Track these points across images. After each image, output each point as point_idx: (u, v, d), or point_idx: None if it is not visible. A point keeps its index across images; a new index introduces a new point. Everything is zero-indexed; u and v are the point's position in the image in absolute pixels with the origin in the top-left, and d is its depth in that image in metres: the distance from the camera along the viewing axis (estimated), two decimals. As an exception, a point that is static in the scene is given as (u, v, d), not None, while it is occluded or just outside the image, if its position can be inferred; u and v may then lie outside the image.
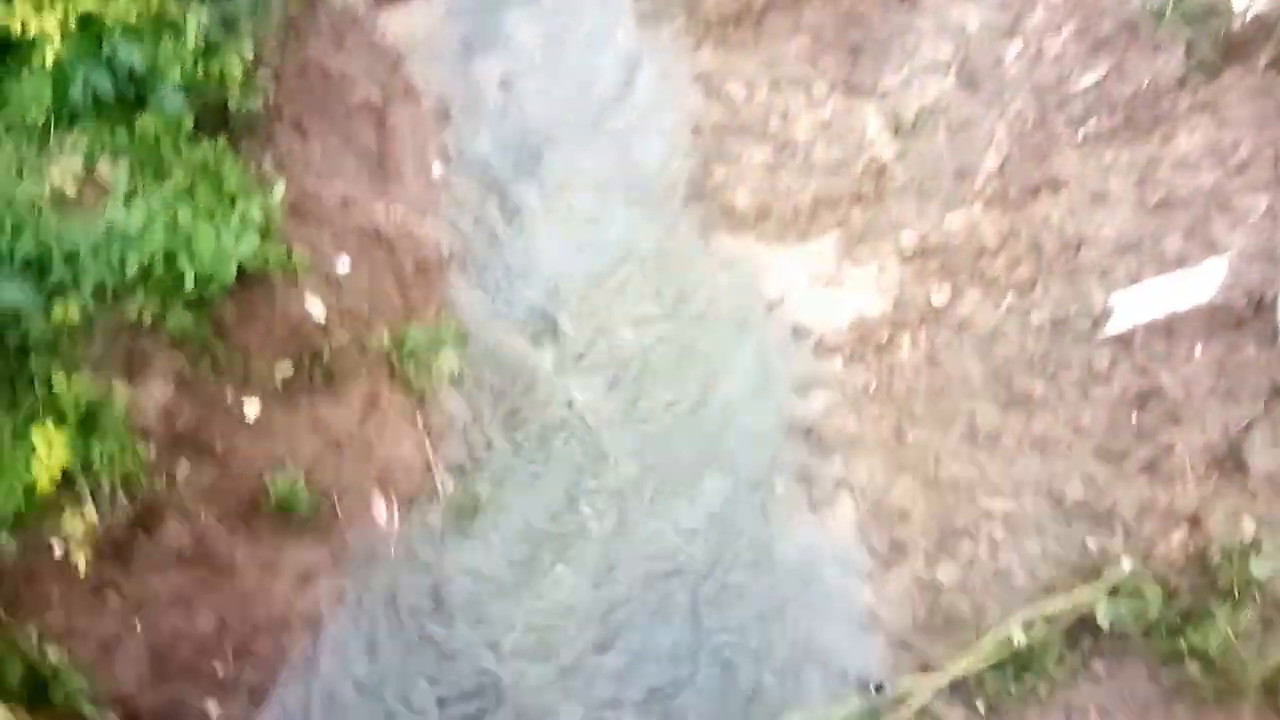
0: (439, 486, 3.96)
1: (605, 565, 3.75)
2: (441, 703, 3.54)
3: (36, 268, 3.25)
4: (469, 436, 4.07)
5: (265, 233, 3.59)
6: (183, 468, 3.51)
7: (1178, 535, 3.28)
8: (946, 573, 3.52)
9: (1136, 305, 3.61)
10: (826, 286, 4.27)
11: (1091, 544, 3.38)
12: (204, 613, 3.49)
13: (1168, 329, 3.49)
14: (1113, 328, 3.62)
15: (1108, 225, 3.81)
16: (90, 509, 3.22)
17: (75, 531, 3.17)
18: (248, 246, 3.46)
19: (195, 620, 3.46)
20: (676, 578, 3.69)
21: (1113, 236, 3.77)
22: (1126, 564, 3.25)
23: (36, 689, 3.21)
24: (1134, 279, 3.66)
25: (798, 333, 4.16)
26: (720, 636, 3.57)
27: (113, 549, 3.31)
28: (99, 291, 3.31)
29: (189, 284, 3.36)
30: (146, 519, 3.41)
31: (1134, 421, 3.47)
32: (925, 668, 3.40)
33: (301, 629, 3.64)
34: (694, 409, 4.06)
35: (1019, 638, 3.25)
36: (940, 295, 4.03)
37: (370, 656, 3.60)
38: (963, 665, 3.31)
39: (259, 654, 3.60)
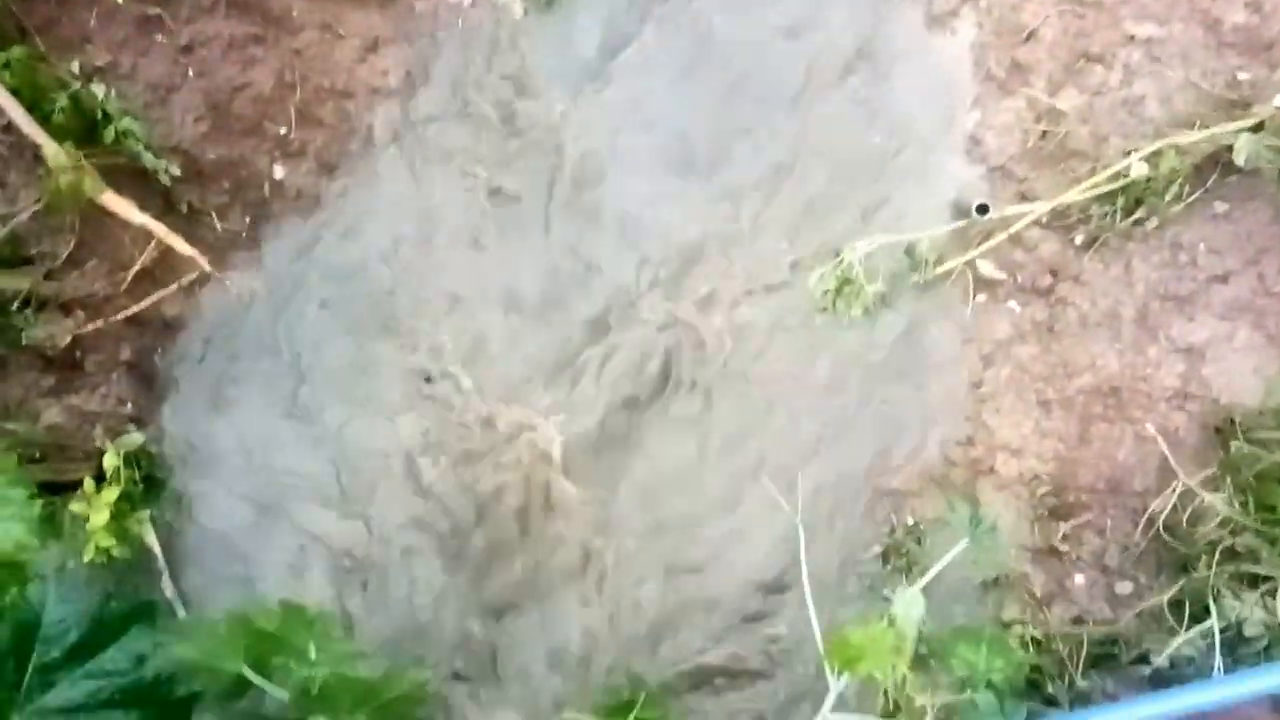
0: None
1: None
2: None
3: None
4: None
5: None
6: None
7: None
8: (1069, 100, 3.20)
9: None
10: None
11: (1243, 76, 3.05)
12: (262, 68, 3.25)
13: None
14: None
15: None
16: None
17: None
18: None
19: (253, 74, 3.23)
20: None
21: None
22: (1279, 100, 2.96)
23: (86, 131, 3.03)
24: None
25: None
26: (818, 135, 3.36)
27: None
28: None
29: None
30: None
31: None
32: (1027, 199, 3.21)
33: (368, 100, 3.42)
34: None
35: (1139, 170, 3.01)
36: None
37: (440, 129, 3.42)
38: (1069, 194, 3.10)
39: (325, 122, 3.41)
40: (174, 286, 3.25)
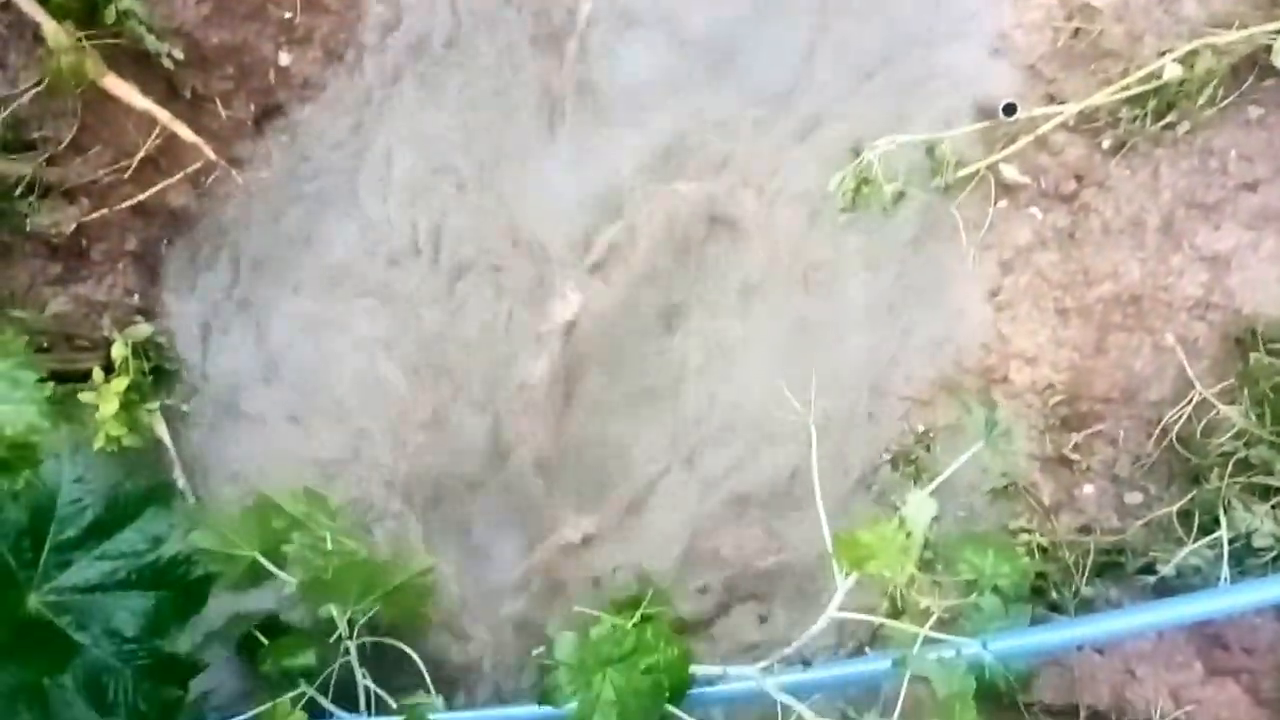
0: None
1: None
2: (534, 40, 3.31)
3: None
4: None
5: None
6: None
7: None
8: (1104, -3, 3.10)
9: None
10: None
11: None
12: (267, -52, 3.12)
13: None
14: None
15: None
16: None
17: None
18: None
19: (258, -44, 3.10)
20: None
21: None
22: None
23: (87, 10, 2.93)
24: None
25: None
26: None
27: None
28: None
29: None
30: None
31: None
32: (1055, 100, 3.12)
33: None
34: None
35: (1173, 71, 2.92)
36: None
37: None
38: (1098, 96, 3.01)
39: (331, 8, 3.30)
40: (179, 175, 3.18)
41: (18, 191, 2.95)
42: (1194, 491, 2.95)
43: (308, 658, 2.63)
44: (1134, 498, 3.07)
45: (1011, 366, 3.21)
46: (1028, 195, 3.16)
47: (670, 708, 2.55)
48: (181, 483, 3.06)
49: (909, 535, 2.38)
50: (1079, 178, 3.11)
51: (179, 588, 1.92)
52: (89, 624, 1.81)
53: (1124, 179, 3.07)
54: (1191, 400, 2.93)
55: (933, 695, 2.80)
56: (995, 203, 3.16)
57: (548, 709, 2.64)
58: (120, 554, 1.85)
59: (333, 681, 2.81)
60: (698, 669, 2.71)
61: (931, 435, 3.26)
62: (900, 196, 3.14)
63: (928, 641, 2.45)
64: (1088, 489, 3.12)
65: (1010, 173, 3.13)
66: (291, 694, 2.67)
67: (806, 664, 2.76)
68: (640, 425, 3.29)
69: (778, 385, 2.96)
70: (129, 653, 1.85)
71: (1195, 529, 2.88)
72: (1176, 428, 2.95)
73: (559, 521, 3.27)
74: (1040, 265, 3.15)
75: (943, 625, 2.47)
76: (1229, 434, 2.87)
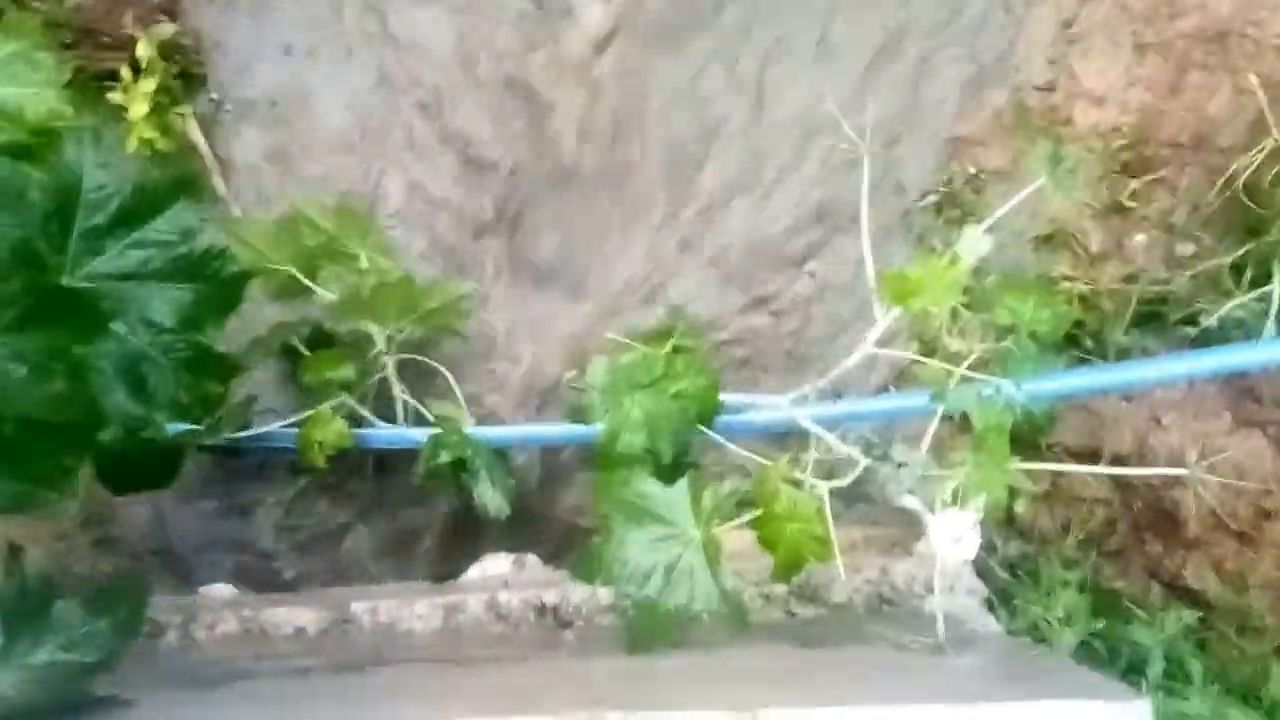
0: None
1: None
2: None
3: None
4: None
5: None
6: None
7: None
8: None
9: None
10: None
11: None
12: None
13: None
14: None
15: None
16: None
17: None
18: None
19: None
20: None
21: None
22: None
23: None
24: None
25: None
26: None
27: None
28: None
29: None
30: None
31: None
32: None
33: None
34: None
35: None
36: None
37: None
38: None
39: None
40: None
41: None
42: (1250, 244, 2.84)
43: (347, 370, 2.67)
44: (1186, 248, 2.98)
45: (1076, 107, 3.03)
46: (1117, -88, 2.87)
47: (701, 427, 2.60)
48: (222, 190, 3.00)
49: (959, 272, 2.33)
50: (1174, -106, 2.81)
51: (215, 282, 1.90)
52: (125, 312, 1.80)
53: (1224, -103, 2.77)
54: (1265, 148, 2.76)
55: (955, 435, 2.85)
56: (1080, -81, 2.88)
57: (579, 427, 2.71)
58: (152, 243, 1.82)
59: (371, 395, 2.87)
60: (727, 397, 2.74)
61: (982, 177, 3.13)
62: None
63: (961, 381, 2.46)
64: (1139, 238, 3.02)
65: (1101, -114, 2.83)
66: (332, 403, 2.74)
67: (839, 395, 2.79)
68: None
69: (830, 107, 2.79)
70: (167, 344, 1.86)
71: (1247, 283, 2.80)
72: (1244, 176, 2.81)
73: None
74: (1122, -6, 2.91)
75: (973, 369, 2.47)
76: (1298, 184, 2.73)
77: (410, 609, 2.55)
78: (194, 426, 2.54)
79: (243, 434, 2.80)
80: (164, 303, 1.82)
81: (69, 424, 1.51)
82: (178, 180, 1.85)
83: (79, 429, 1.53)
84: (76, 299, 1.70)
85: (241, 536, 3.13)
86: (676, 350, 2.77)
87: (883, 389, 3.17)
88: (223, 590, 2.83)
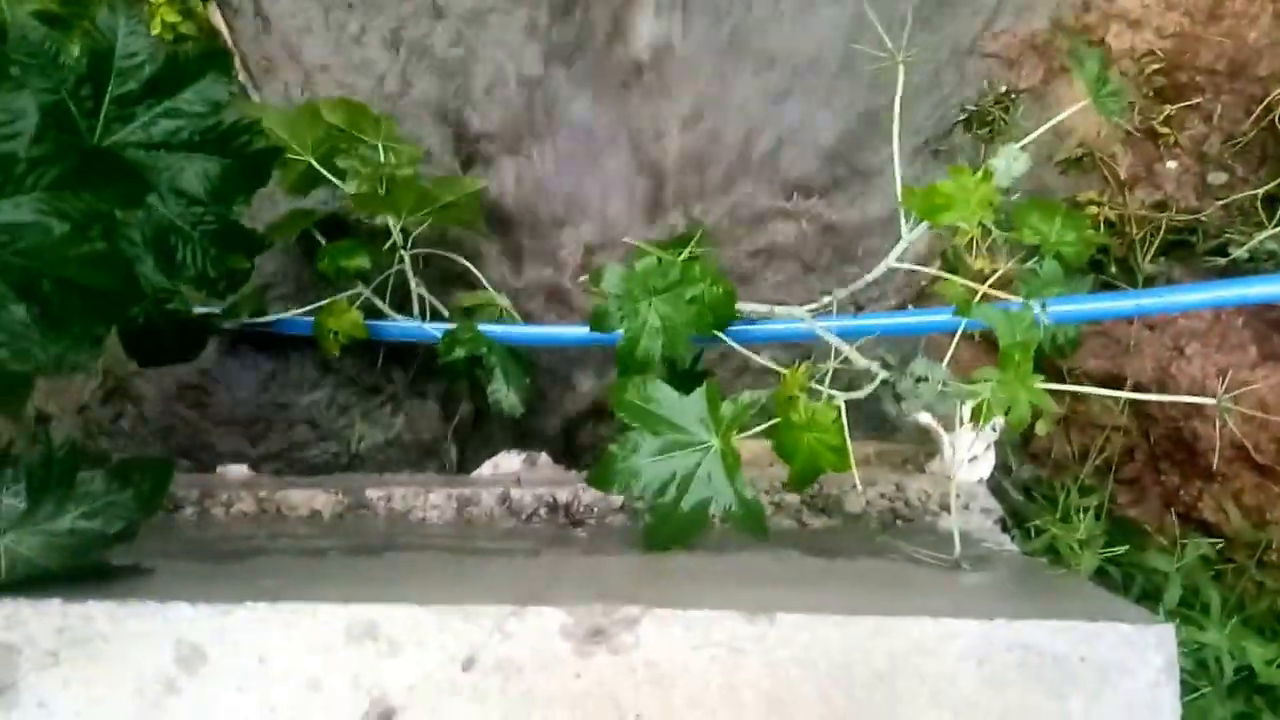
0: None
1: None
2: None
3: None
4: None
5: None
6: None
7: None
8: None
9: None
10: None
11: None
12: None
13: None
14: None
15: None
16: None
17: None
18: None
19: None
20: None
21: None
22: None
23: None
24: None
25: None
26: None
27: None
28: None
29: None
30: None
31: None
32: None
33: None
34: None
35: None
36: None
37: None
38: None
39: None
40: None
41: None
42: (1284, 175, 2.81)
43: (364, 260, 2.66)
44: (1218, 177, 2.94)
45: (1112, 29, 2.98)
46: None
47: (718, 333, 2.59)
48: (242, 76, 2.96)
49: (990, 188, 2.30)
50: None
51: (243, 156, 1.88)
52: (156, 181, 1.79)
53: None
54: (1304, 76, 2.72)
55: (975, 359, 2.84)
56: None
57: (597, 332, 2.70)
58: (181, 113, 1.80)
59: (389, 288, 2.86)
60: (744, 305, 2.73)
61: (1014, 96, 3.08)
62: None
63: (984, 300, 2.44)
64: (1170, 165, 2.98)
65: None
66: (349, 293, 2.73)
67: (859, 308, 2.77)
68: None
69: (869, 14, 2.73)
70: (196, 215, 1.84)
71: (1279, 215, 2.78)
72: (1281, 106, 2.77)
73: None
74: (1166, -90, 2.84)
75: (996, 289, 2.45)
76: (1336, 115, 2.69)
77: (424, 498, 2.56)
78: (213, 309, 2.54)
79: (259, 320, 2.80)
80: (194, 174, 1.80)
81: (106, 290, 1.50)
82: (206, 53, 1.82)
83: (114, 295, 1.53)
84: (118, 163, 1.69)
85: (260, 420, 3.14)
86: (693, 258, 2.75)
87: (902, 308, 3.16)
88: (239, 471, 2.85)
